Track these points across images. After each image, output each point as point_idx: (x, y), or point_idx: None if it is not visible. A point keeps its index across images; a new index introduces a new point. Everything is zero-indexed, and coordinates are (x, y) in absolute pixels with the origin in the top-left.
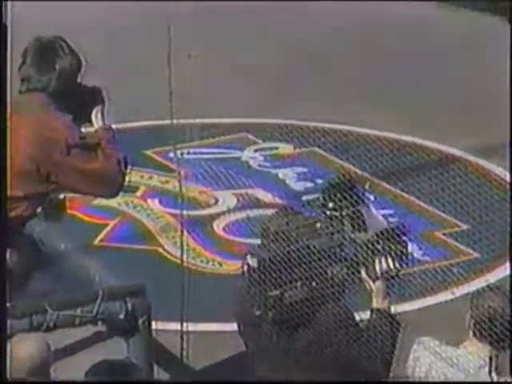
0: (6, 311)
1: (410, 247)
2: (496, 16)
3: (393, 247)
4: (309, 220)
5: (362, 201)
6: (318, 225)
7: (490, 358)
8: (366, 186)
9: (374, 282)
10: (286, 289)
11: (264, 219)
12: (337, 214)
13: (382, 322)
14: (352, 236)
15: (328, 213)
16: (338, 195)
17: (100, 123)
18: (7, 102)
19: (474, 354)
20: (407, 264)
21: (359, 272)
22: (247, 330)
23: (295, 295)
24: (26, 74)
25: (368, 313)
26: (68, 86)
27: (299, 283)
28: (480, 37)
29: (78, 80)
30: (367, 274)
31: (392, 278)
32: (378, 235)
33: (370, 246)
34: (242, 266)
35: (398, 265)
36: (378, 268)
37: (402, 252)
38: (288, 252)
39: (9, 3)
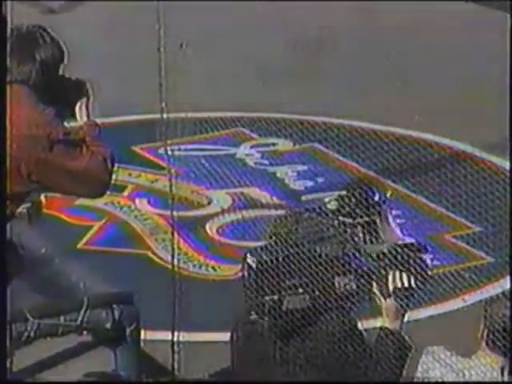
0: (6, 311)
1: (430, 267)
2: (497, 14)
3: (409, 264)
4: (318, 224)
5: (380, 210)
6: (329, 230)
7: (502, 369)
8: (388, 195)
9: (385, 298)
10: (285, 294)
11: (270, 219)
12: (350, 221)
13: (390, 342)
14: (364, 247)
15: (341, 219)
16: (354, 201)
17: (84, 118)
18: (7, 102)
19: (487, 366)
20: (425, 284)
21: (370, 287)
22: (244, 337)
23: (295, 303)
24: None
25: (376, 331)
26: (50, 78)
27: (301, 290)
28: (481, 34)
29: (61, 72)
30: (379, 289)
31: (406, 297)
32: (393, 249)
33: (383, 259)
34: (242, 266)
35: (413, 284)
36: (390, 284)
37: (419, 271)
38: (292, 255)
39: (8, 3)
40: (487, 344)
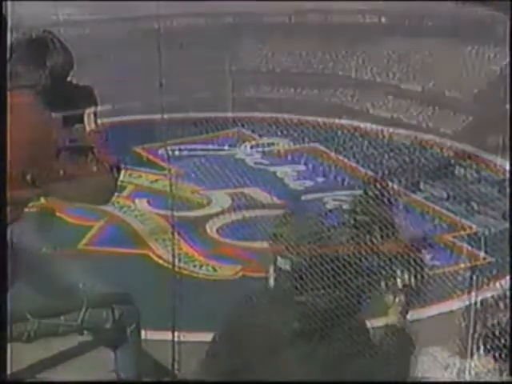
0: (6, 311)
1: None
2: (496, 15)
3: (415, 261)
4: (335, 225)
5: (395, 210)
6: (346, 231)
7: (501, 370)
8: (403, 197)
9: (394, 297)
10: (311, 296)
11: (296, 221)
12: (366, 218)
13: (397, 339)
14: (377, 245)
15: (357, 218)
16: (370, 200)
17: (92, 125)
18: (7, 102)
19: (486, 366)
20: (431, 284)
21: (379, 284)
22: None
23: (317, 304)
24: (13, 70)
25: (383, 329)
26: (59, 85)
27: (322, 292)
28: (480, 35)
29: (69, 78)
30: (388, 287)
31: (412, 295)
32: (404, 247)
33: (395, 257)
34: (269, 269)
35: (420, 283)
36: (399, 282)
37: (427, 271)
38: (321, 256)
39: (9, 3)
40: (478, 348)
